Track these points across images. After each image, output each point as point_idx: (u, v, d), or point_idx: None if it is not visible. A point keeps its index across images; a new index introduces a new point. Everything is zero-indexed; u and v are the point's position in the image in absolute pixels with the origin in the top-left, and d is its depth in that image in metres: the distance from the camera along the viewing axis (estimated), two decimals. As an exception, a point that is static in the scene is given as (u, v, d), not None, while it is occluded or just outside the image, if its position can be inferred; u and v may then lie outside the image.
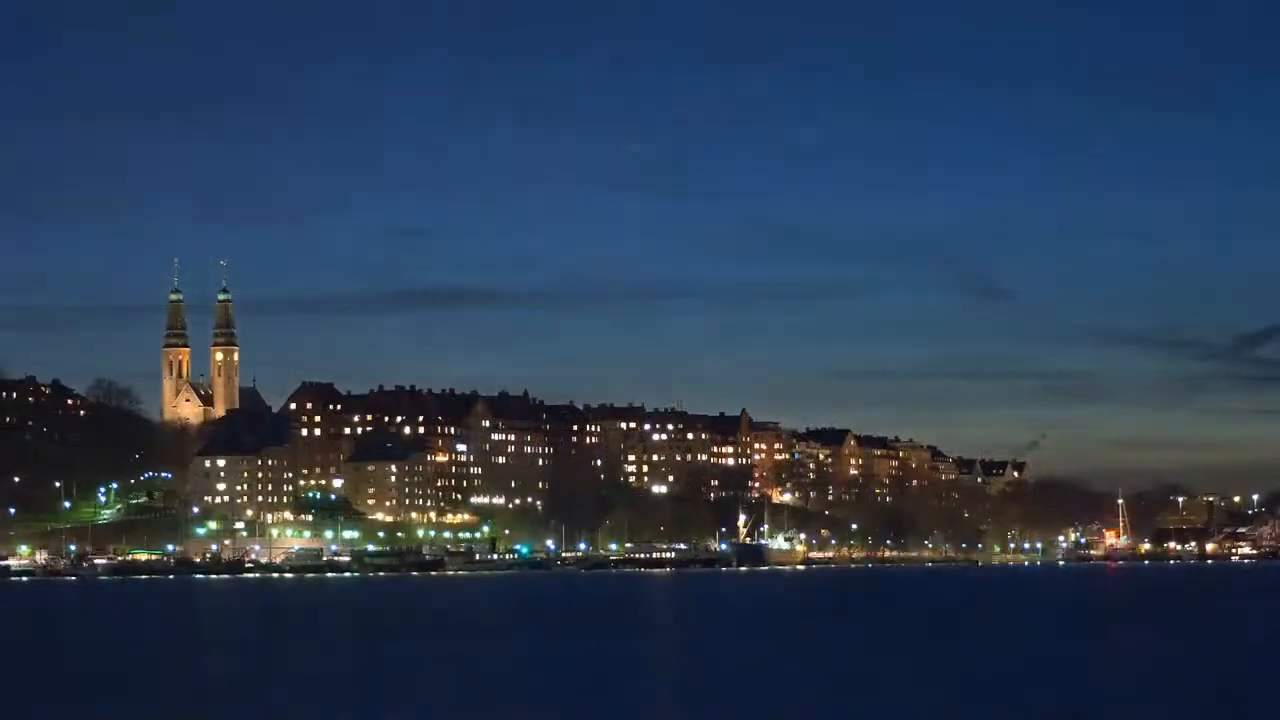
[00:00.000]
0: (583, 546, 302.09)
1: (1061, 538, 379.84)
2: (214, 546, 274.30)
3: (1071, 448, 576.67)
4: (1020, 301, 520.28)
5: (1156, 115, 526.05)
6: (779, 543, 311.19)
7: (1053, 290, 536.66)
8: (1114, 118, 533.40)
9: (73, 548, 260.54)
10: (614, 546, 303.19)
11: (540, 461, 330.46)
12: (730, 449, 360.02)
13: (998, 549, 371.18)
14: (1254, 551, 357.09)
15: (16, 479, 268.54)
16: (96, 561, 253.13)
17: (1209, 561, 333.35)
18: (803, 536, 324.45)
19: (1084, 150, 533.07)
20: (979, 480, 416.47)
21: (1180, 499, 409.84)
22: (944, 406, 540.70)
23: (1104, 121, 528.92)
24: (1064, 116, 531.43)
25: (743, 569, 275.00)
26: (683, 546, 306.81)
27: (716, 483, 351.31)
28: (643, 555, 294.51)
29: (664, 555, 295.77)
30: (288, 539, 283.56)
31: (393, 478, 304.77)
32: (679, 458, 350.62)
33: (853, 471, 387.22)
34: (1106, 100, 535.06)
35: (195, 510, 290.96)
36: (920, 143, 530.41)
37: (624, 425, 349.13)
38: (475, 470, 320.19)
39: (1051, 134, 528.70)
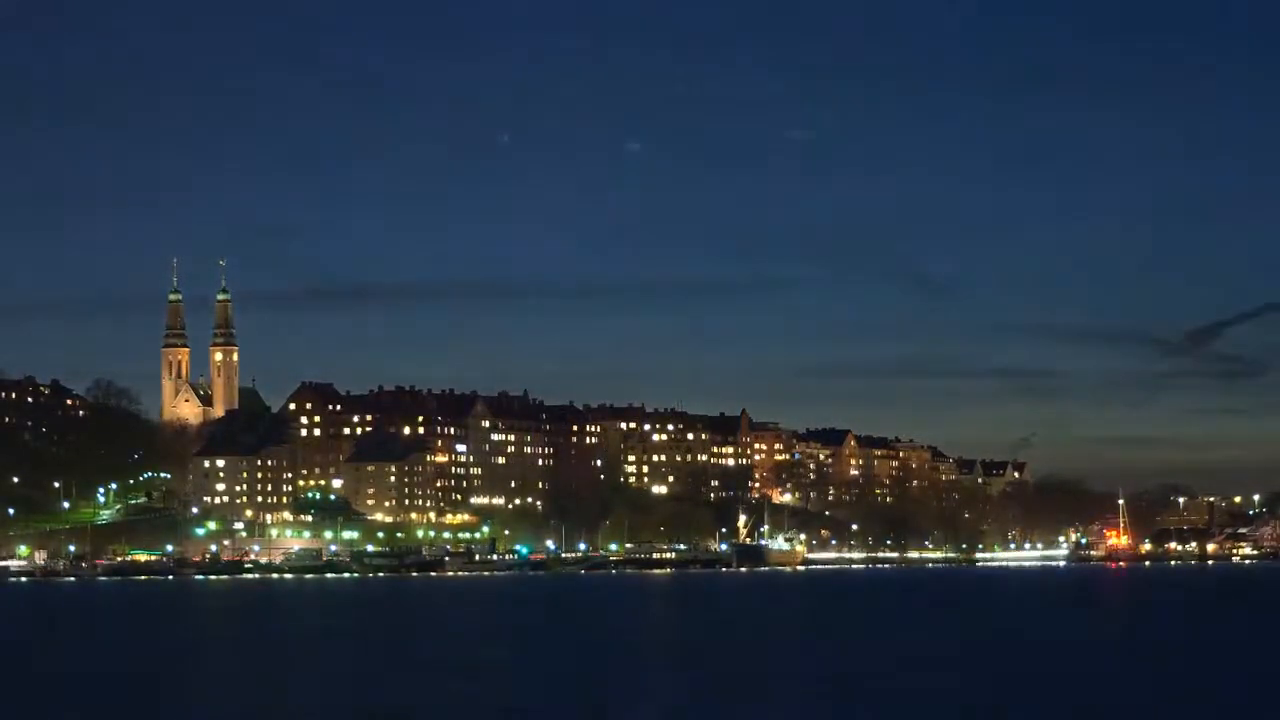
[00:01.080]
0: (582, 547, 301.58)
1: (1062, 538, 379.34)
2: (213, 547, 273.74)
3: (1041, 447, 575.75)
4: (963, 299, 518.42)
5: (1085, 111, 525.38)
6: (779, 543, 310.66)
7: (992, 286, 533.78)
8: (1042, 113, 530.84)
9: (72, 548, 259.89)
10: (614, 547, 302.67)
11: (540, 462, 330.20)
12: (730, 449, 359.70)
13: (997, 549, 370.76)
14: (1255, 552, 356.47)
15: (15, 479, 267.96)
16: (96, 562, 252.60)
17: (1210, 562, 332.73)
18: (803, 537, 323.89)
19: (1018, 145, 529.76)
20: (979, 481, 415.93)
21: (1181, 499, 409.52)
22: (906, 406, 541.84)
23: (1027, 118, 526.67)
24: (999, 111, 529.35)
25: (743, 570, 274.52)
26: (682, 547, 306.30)
27: (716, 483, 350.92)
28: (643, 556, 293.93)
29: (664, 556, 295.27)
30: (287, 539, 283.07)
31: (392, 478, 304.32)
32: (679, 458, 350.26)
33: (853, 472, 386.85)
34: (1041, 95, 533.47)
35: (194, 511, 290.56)
36: (861, 138, 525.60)
37: (624, 425, 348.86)
38: (475, 470, 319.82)
39: (981, 128, 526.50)
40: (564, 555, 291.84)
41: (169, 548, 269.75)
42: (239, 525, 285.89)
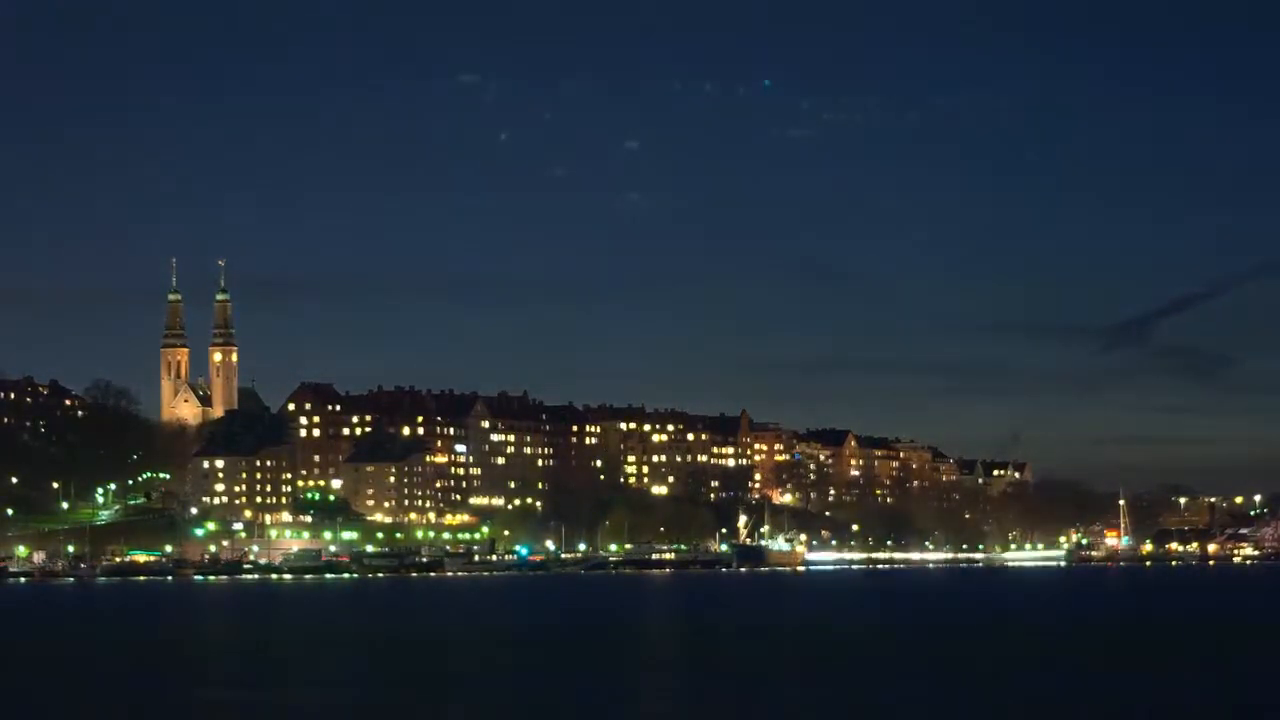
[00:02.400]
0: (582, 547, 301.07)
1: (1063, 538, 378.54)
2: (212, 547, 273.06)
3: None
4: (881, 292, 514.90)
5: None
6: (779, 544, 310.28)
7: (908, 278, 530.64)
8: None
9: (70, 549, 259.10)
10: (613, 548, 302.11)
11: (540, 462, 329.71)
12: (730, 449, 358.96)
13: (998, 549, 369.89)
14: (1256, 553, 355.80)
15: (14, 480, 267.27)
16: (95, 563, 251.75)
17: (1211, 563, 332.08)
18: (803, 537, 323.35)
19: (924, 133, 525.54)
20: (980, 481, 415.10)
21: (1182, 500, 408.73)
22: (861, 404, 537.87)
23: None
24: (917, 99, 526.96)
25: (743, 570, 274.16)
26: (683, 547, 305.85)
27: (716, 483, 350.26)
28: (643, 556, 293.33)
29: (664, 556, 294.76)
30: (286, 540, 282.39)
31: (392, 478, 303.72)
32: (679, 458, 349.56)
33: (853, 472, 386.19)
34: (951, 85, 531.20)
35: (193, 511, 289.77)
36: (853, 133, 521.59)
37: (624, 425, 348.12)
38: (474, 471, 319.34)
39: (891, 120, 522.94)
40: (564, 556, 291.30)
41: (168, 548, 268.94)
42: (238, 526, 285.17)
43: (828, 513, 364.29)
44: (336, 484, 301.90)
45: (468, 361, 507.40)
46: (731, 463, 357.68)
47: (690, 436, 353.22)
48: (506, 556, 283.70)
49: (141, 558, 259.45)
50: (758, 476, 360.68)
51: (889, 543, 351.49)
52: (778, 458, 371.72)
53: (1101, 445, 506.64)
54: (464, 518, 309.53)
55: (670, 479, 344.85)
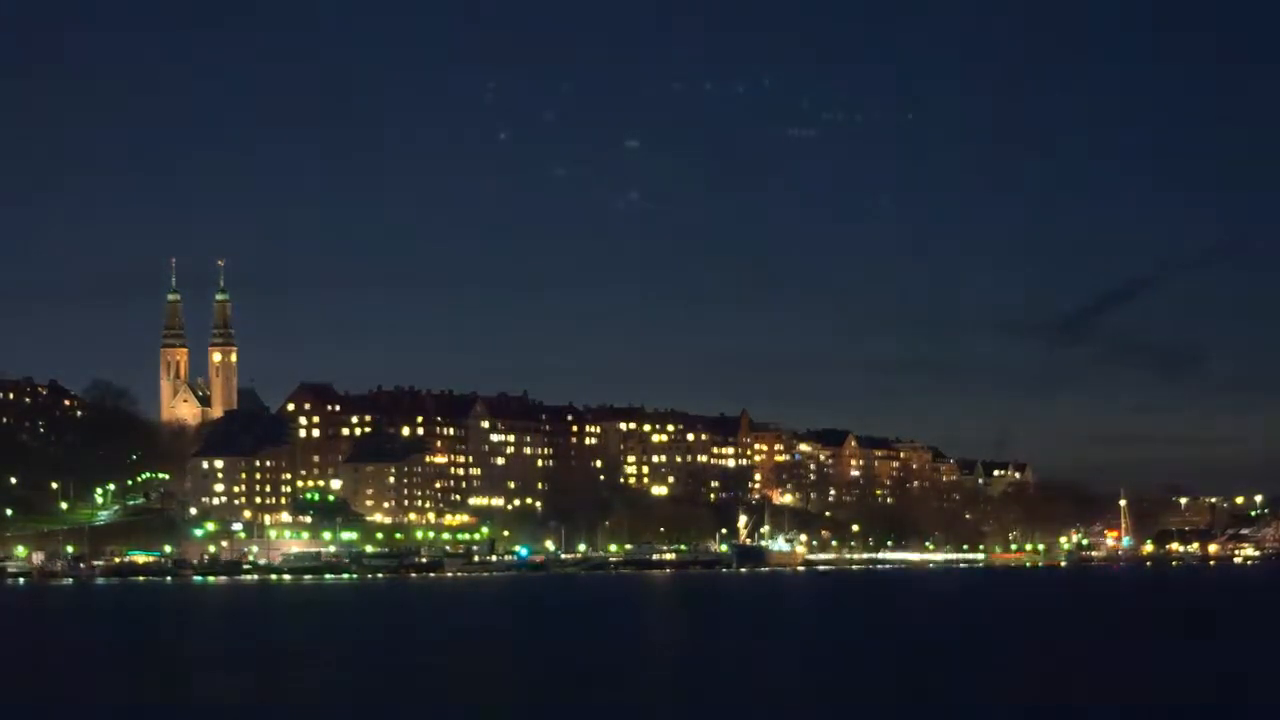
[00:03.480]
0: (582, 548, 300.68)
1: (1063, 539, 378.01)
2: (211, 548, 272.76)
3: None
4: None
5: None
6: (779, 544, 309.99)
7: (908, 277, 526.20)
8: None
9: (70, 549, 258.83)
10: (613, 548, 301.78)
11: (539, 463, 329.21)
12: (730, 449, 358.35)
13: (998, 549, 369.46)
14: (1257, 553, 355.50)
15: (13, 480, 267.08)
16: (94, 563, 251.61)
17: (1211, 563, 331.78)
18: (803, 538, 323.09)
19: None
20: (980, 481, 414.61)
21: (1182, 500, 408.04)
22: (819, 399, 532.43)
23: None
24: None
25: (743, 570, 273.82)
26: (683, 548, 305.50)
27: (716, 484, 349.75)
28: (643, 557, 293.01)
29: (664, 557, 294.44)
30: (286, 540, 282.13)
31: (391, 479, 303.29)
32: (679, 459, 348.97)
33: (853, 472, 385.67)
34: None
35: (193, 511, 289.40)
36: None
37: (624, 426, 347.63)
38: (474, 471, 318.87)
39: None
40: (563, 556, 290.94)
41: (167, 549, 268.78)
42: (237, 526, 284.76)
43: (828, 513, 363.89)
44: (336, 484, 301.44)
45: (468, 361, 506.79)
46: (731, 463, 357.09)
47: (690, 436, 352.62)
48: (506, 557, 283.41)
49: (141, 558, 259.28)
50: (758, 476, 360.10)
51: (889, 543, 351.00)
52: (778, 458, 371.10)
53: (1101, 445, 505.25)
54: (464, 518, 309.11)
55: (670, 479, 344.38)
